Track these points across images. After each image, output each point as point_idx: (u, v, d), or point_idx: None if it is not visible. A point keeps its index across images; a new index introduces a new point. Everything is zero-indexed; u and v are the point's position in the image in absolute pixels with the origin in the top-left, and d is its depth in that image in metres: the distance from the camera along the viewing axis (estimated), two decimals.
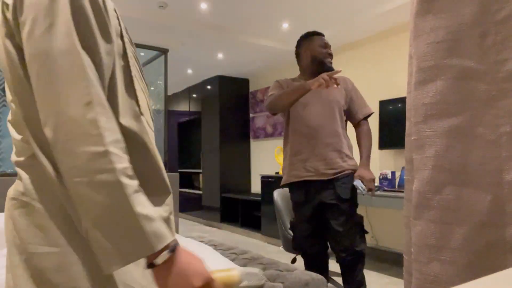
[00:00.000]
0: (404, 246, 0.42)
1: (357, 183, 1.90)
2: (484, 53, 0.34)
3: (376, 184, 3.36)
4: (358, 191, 1.91)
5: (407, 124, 0.41)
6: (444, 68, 0.35)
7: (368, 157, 1.98)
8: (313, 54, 2.00)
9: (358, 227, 1.91)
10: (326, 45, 2.01)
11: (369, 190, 1.91)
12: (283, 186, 2.12)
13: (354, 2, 3.11)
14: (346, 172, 1.91)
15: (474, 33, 0.34)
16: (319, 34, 2.05)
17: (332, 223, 1.88)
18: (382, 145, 3.44)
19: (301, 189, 1.96)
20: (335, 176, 1.89)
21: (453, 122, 0.35)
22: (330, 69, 1.97)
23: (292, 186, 2.02)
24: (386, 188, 3.27)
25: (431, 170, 0.36)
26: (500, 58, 0.33)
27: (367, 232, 1.97)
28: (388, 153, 3.55)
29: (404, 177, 0.42)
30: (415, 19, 0.38)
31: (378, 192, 3.11)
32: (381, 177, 3.36)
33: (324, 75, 1.73)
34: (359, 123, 2.02)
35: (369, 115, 2.03)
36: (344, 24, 3.53)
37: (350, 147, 2.01)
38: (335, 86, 1.75)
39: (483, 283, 0.21)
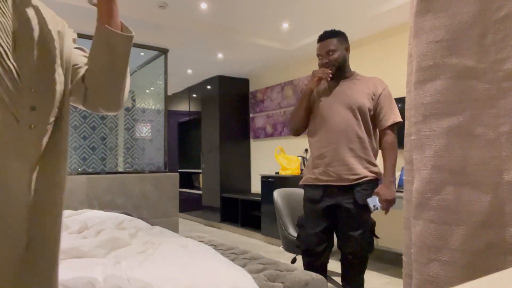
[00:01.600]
0: (403, 248, 0.42)
1: (371, 200, 1.84)
2: (483, 52, 0.33)
3: None
4: (370, 207, 1.85)
5: (407, 123, 0.41)
6: (444, 68, 0.35)
7: (390, 173, 1.90)
8: None
9: (369, 233, 1.90)
10: (320, 55, 1.96)
11: (385, 210, 1.87)
12: (301, 186, 2.10)
13: (354, 2, 3.11)
14: (368, 178, 1.88)
15: (474, 32, 0.34)
16: (319, 40, 1.98)
17: (344, 226, 1.88)
18: None
19: (320, 189, 1.95)
20: (356, 182, 1.87)
21: (452, 122, 0.35)
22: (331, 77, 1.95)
23: (310, 185, 2.01)
24: None
25: (430, 170, 0.36)
26: (499, 57, 0.32)
27: (377, 237, 1.96)
28: None
29: (404, 177, 0.42)
30: (415, 18, 0.38)
31: None
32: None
33: (317, 72, 1.90)
34: (384, 132, 1.91)
35: (396, 124, 1.90)
36: (344, 24, 3.52)
37: (376, 153, 1.95)
38: (329, 77, 1.88)
39: (483, 283, 0.21)
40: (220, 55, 4.44)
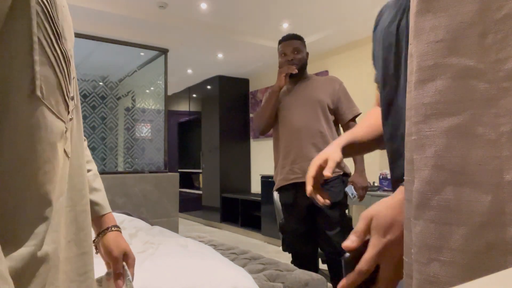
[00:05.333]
0: (404, 248, 0.42)
1: (348, 189, 1.91)
2: (484, 52, 0.33)
3: (376, 184, 3.37)
4: (348, 196, 1.92)
5: (407, 124, 0.41)
6: (444, 67, 0.35)
7: (361, 161, 1.96)
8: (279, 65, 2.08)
9: (347, 229, 1.93)
10: (285, 54, 2.00)
11: (360, 197, 1.92)
12: (276, 190, 2.14)
13: (354, 2, 3.11)
14: (335, 175, 1.91)
15: (474, 31, 0.34)
16: (284, 40, 2.03)
17: (321, 226, 1.91)
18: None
19: (290, 191, 1.99)
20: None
21: (453, 122, 0.35)
22: (294, 75, 2.00)
23: (281, 188, 2.04)
24: (386, 188, 3.27)
25: (431, 170, 0.36)
26: (500, 57, 0.32)
27: None
28: None
29: (404, 177, 0.42)
30: (415, 18, 0.38)
31: (378, 192, 3.11)
32: (381, 177, 3.36)
33: (282, 70, 1.95)
34: (347, 125, 1.99)
35: (357, 116, 2.00)
36: (344, 24, 3.52)
37: None
38: (295, 70, 1.93)
39: (483, 283, 0.21)
40: (220, 55, 4.44)
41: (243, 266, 1.60)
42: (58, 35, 0.45)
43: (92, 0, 3.02)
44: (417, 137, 0.38)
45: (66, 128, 0.48)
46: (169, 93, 6.52)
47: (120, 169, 3.63)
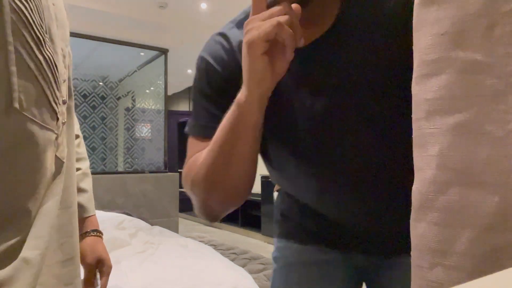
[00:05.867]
0: None
1: None
2: (492, 45, 0.32)
3: None
4: None
5: None
6: (449, 61, 0.33)
7: None
8: None
9: None
10: None
11: None
12: (277, 191, 2.14)
13: None
14: None
15: (481, 24, 0.32)
16: None
17: None
18: None
19: None
20: None
21: (458, 119, 0.33)
22: None
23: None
24: None
25: (434, 170, 0.34)
26: (509, 51, 0.31)
27: None
28: None
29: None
30: (418, 10, 0.36)
31: None
32: None
33: None
34: None
35: None
36: None
37: None
38: None
39: (482, 283, 0.19)
40: None
41: (243, 266, 1.59)
42: (40, 41, 0.42)
43: (92, 0, 3.01)
44: (417, 134, 0.36)
45: (56, 134, 0.47)
46: (169, 93, 6.51)
47: (120, 169, 3.62)
